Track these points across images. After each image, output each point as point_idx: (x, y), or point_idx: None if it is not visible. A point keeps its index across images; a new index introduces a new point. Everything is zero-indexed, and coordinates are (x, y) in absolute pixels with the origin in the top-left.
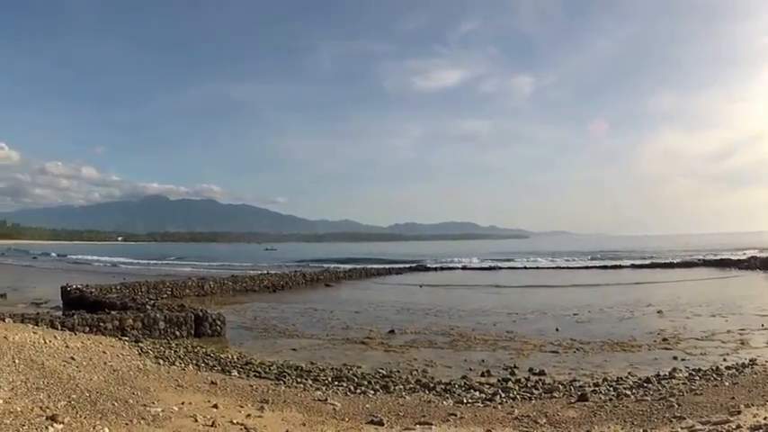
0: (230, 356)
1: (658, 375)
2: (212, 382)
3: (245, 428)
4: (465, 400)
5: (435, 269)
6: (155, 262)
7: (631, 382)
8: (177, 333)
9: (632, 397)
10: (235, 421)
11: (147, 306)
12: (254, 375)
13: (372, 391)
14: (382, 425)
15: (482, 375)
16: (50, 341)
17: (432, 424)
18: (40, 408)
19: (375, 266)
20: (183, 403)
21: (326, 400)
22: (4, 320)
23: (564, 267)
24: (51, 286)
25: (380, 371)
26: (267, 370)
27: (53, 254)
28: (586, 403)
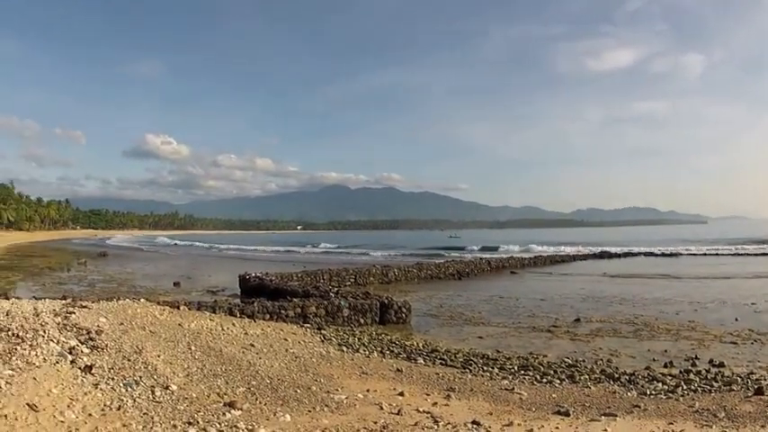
0: (415, 344)
1: None
2: (398, 370)
3: (432, 417)
4: (648, 392)
5: (618, 256)
6: (334, 250)
7: None
8: (361, 320)
9: None
10: (421, 409)
11: (331, 293)
12: (440, 363)
13: (558, 381)
14: (568, 415)
15: (665, 366)
16: (228, 328)
17: (616, 415)
18: (217, 394)
19: (559, 253)
20: (367, 390)
21: (513, 389)
22: (178, 308)
23: (741, 254)
24: (227, 274)
25: (566, 360)
26: (453, 358)
27: (212, 245)
28: (762, 397)
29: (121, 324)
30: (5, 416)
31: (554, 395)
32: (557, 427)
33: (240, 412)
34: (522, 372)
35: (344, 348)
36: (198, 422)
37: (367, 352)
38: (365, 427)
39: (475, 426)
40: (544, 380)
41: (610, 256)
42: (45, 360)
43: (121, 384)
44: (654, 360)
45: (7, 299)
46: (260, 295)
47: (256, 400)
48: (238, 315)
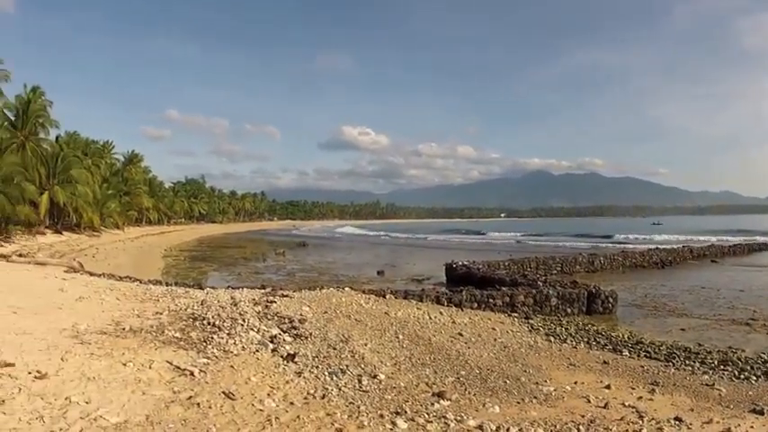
0: (621, 335)
1: None
2: (604, 362)
3: (637, 411)
4: None
5: None
6: (534, 238)
7: None
8: (568, 310)
9: None
10: (626, 403)
11: (539, 282)
12: (645, 356)
13: (755, 378)
14: (762, 414)
15: None
16: (436, 317)
17: None
18: (426, 384)
19: (758, 242)
20: (575, 383)
21: (713, 385)
22: (384, 297)
23: None
24: (430, 263)
25: (762, 356)
26: (657, 350)
27: (386, 233)
28: None
29: (325, 313)
30: (198, 404)
31: (750, 392)
32: (752, 426)
33: (449, 403)
34: (722, 367)
35: (552, 338)
36: (406, 412)
37: (574, 343)
38: (573, 421)
39: (677, 422)
40: (741, 376)
41: None
42: (244, 348)
43: (326, 373)
44: None
45: (201, 289)
46: (466, 284)
47: (465, 390)
48: (446, 304)
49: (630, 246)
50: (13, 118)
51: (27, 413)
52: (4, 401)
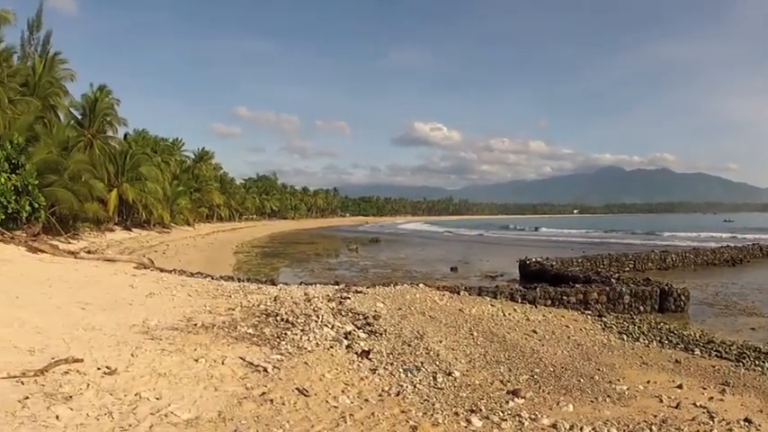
0: (692, 334)
1: None
2: (676, 361)
3: (708, 412)
4: None
5: None
6: (602, 235)
7: None
8: (641, 308)
9: None
10: (698, 404)
11: (612, 279)
12: (716, 355)
13: None
14: None
15: None
16: (510, 314)
17: None
18: (501, 381)
19: None
20: (648, 382)
21: None
22: (458, 293)
23: None
24: (503, 259)
25: None
26: (727, 350)
27: (448, 230)
28: None
29: (399, 309)
30: (271, 400)
31: None
32: None
33: (523, 401)
34: None
35: (624, 337)
36: (481, 410)
37: (646, 341)
38: (645, 420)
39: (746, 423)
40: None
41: None
42: (318, 345)
43: (401, 370)
44: None
45: (274, 285)
46: (540, 281)
47: (539, 388)
48: (519, 300)
49: (701, 243)
50: (80, 117)
51: (95, 409)
52: (71, 397)
